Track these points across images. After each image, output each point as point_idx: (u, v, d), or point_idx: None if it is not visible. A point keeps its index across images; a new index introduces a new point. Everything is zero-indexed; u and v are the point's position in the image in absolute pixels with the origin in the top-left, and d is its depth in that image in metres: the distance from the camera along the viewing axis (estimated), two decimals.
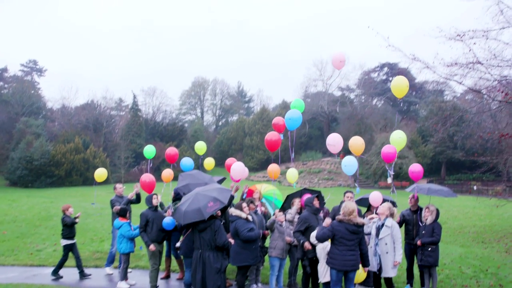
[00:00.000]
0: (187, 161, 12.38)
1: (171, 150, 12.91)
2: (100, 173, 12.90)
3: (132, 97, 77.51)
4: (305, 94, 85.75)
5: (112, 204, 11.35)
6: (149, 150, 13.41)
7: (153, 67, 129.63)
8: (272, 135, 10.93)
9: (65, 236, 10.99)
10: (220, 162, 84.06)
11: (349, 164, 10.40)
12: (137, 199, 11.46)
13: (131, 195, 11.26)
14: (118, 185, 11.87)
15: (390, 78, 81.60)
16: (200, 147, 13.97)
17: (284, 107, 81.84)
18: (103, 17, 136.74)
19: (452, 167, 61.87)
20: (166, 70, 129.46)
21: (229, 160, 11.86)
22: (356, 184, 13.54)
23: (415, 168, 10.30)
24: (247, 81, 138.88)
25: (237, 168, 10.32)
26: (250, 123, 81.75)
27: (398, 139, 10.24)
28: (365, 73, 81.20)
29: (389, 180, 12.09)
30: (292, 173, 11.77)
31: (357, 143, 10.50)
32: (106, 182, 57.06)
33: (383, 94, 76.82)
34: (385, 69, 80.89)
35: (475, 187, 48.06)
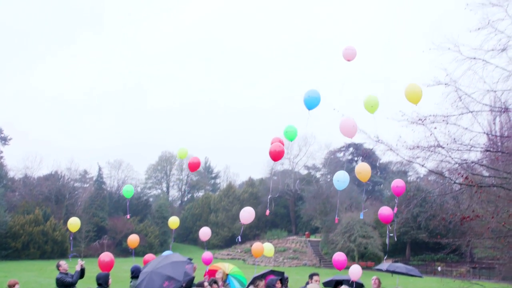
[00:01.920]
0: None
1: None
2: (73, 223, 12.52)
3: (98, 169, 76.72)
4: (272, 172, 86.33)
5: (61, 282, 10.94)
6: (128, 189, 13.17)
7: (121, 139, 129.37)
8: (276, 146, 11.11)
9: None
10: (184, 239, 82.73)
11: (342, 180, 10.40)
12: (81, 274, 11.13)
13: (78, 266, 10.96)
14: (62, 262, 11.52)
15: (356, 158, 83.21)
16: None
17: (251, 184, 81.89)
18: (75, 87, 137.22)
19: (417, 247, 62.01)
20: (134, 143, 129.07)
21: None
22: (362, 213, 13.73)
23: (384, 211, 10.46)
24: (214, 157, 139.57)
25: (246, 214, 10.57)
26: (216, 200, 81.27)
27: (370, 107, 10.19)
28: (331, 153, 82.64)
29: (387, 241, 12.28)
30: (269, 248, 11.86)
31: (364, 168, 10.58)
32: (62, 255, 55.13)
33: (348, 173, 77.76)
34: (351, 149, 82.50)
35: (439, 268, 48.03)
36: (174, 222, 13.45)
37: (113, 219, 69.65)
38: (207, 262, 11.30)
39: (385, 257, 15.17)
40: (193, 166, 12.96)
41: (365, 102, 10.32)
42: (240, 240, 12.27)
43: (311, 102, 10.42)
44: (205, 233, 12.49)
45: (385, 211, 10.37)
